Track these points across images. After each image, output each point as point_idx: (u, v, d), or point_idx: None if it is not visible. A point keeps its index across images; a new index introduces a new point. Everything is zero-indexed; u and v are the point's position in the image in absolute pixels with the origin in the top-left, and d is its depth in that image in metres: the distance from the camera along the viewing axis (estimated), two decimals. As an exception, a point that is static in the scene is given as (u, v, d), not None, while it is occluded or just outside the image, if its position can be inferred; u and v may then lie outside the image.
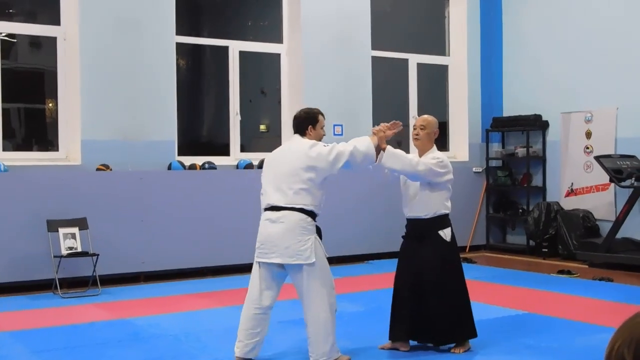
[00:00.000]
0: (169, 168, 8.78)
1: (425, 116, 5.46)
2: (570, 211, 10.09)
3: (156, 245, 8.45)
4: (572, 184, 10.35)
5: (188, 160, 9.04)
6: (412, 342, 5.34)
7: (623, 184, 9.12)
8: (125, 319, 6.47)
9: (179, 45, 9.24)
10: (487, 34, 11.33)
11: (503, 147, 11.34)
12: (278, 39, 10.07)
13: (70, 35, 8.47)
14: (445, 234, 5.25)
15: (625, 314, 1.59)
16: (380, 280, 8.16)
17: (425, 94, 11.32)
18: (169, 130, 8.90)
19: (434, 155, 5.26)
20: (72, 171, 8.26)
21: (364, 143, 4.93)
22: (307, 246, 4.75)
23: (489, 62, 11.33)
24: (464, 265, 5.53)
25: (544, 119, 10.67)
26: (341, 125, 9.94)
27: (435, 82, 11.71)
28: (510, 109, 11.18)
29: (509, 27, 11.25)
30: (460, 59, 11.34)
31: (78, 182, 8.12)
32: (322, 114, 5.10)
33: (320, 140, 5.01)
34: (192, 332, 5.93)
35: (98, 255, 7.70)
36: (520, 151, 10.84)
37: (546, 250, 10.15)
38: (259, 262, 4.92)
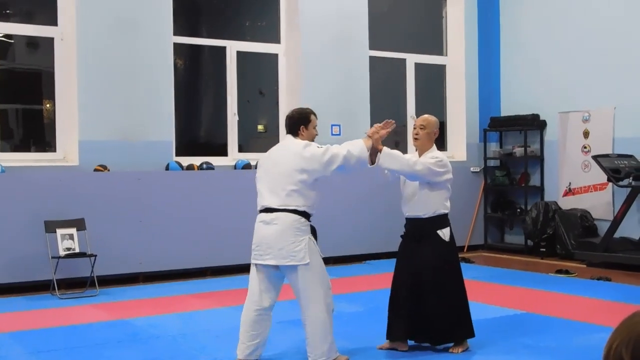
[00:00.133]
0: (167, 168, 8.77)
1: (426, 116, 5.45)
2: (568, 211, 10.10)
3: (154, 246, 8.45)
4: (570, 183, 10.36)
5: (186, 160, 9.04)
6: (410, 342, 5.34)
7: (621, 183, 9.13)
8: (124, 320, 6.46)
9: (177, 46, 9.24)
10: (485, 33, 11.33)
11: (501, 146, 11.34)
12: (276, 39, 10.07)
13: (67, 36, 8.46)
14: (444, 233, 5.25)
15: (624, 314, 1.59)
16: (379, 281, 8.16)
17: (423, 93, 11.32)
18: (166, 130, 8.90)
19: (433, 154, 5.26)
20: (70, 172, 8.25)
21: (358, 147, 4.93)
22: (301, 247, 4.75)
23: (486, 62, 11.33)
24: (462, 265, 5.53)
25: (541, 118, 10.68)
26: (339, 125, 9.94)
27: (432, 82, 11.71)
28: (507, 109, 11.18)
29: (507, 27, 11.26)
30: (457, 59, 11.34)
31: (76, 182, 8.12)
32: (315, 114, 5.09)
33: (313, 140, 5.01)
34: (191, 333, 5.93)
35: (96, 256, 7.69)
36: (518, 151, 10.85)
37: (544, 249, 10.15)
38: (255, 264, 4.93)
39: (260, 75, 11.01)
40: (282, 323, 5.87)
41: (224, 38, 9.80)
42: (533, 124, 10.67)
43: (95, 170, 8.30)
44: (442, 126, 11.20)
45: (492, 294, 7.58)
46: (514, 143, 11.07)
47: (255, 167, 8.93)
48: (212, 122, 10.86)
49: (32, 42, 9.18)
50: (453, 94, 11.43)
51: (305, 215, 4.83)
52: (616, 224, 9.21)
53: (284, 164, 4.84)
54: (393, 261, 5.49)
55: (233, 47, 9.71)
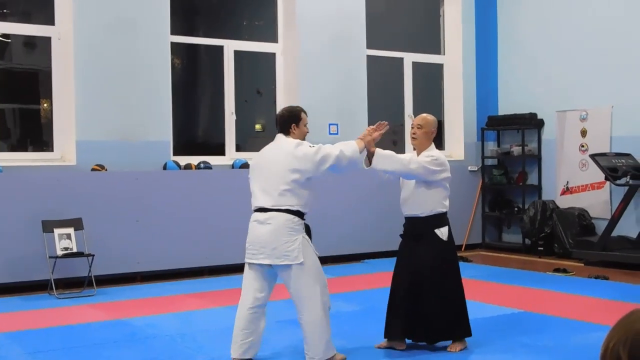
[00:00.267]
0: (165, 168, 8.76)
1: (423, 115, 5.44)
2: (565, 209, 10.11)
3: (152, 246, 8.44)
4: (567, 182, 10.36)
5: (183, 160, 9.04)
6: (408, 341, 5.34)
7: (618, 182, 9.13)
8: (121, 320, 6.46)
9: (174, 45, 9.23)
10: (482, 32, 11.34)
11: (498, 145, 11.35)
12: (273, 38, 10.06)
13: (64, 35, 8.45)
14: (442, 232, 5.25)
15: (621, 312, 1.59)
16: (376, 280, 8.16)
17: (421, 92, 11.32)
18: (164, 130, 8.89)
19: (430, 153, 5.26)
20: (67, 171, 8.24)
21: (351, 147, 4.94)
22: (294, 246, 4.75)
23: (484, 61, 11.33)
24: (460, 264, 5.53)
25: (539, 117, 10.68)
26: (337, 125, 9.94)
27: (430, 81, 11.71)
28: (505, 108, 11.18)
29: (504, 26, 11.26)
30: (455, 58, 11.35)
31: (73, 182, 8.11)
32: (305, 112, 5.09)
33: (304, 137, 5.01)
34: (188, 332, 5.93)
35: (93, 255, 7.68)
36: (516, 150, 10.86)
37: (542, 248, 10.16)
38: (248, 263, 4.93)
39: (257, 74, 11.01)
40: (279, 323, 5.88)
41: (221, 37, 9.80)
42: (531, 123, 10.67)
43: (93, 169, 8.29)
44: (440, 125, 11.19)
45: (489, 292, 7.58)
46: (511, 142, 11.07)
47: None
48: (209, 121, 10.86)
49: (30, 42, 9.17)
50: (451, 93, 11.43)
51: (298, 214, 4.83)
52: (614, 222, 9.22)
53: (276, 163, 4.85)
54: (391, 260, 5.50)
55: (230, 47, 9.71)
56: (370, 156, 5.07)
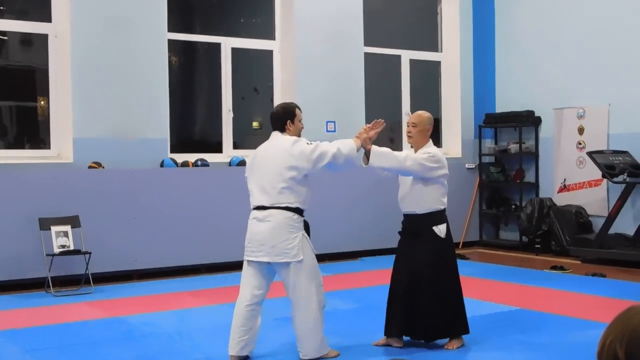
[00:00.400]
0: (162, 165, 8.75)
1: (418, 113, 5.44)
2: (563, 207, 10.11)
3: (149, 243, 8.43)
4: (564, 179, 10.37)
5: (180, 157, 9.02)
6: (406, 338, 5.34)
7: (615, 179, 9.14)
8: (119, 317, 6.45)
9: (171, 42, 9.22)
10: (480, 29, 11.33)
11: (496, 143, 11.35)
12: (271, 35, 10.05)
13: (61, 32, 8.43)
14: (440, 230, 5.24)
15: (618, 310, 1.59)
16: (373, 277, 8.17)
17: (418, 90, 11.32)
18: (161, 127, 8.88)
19: (426, 150, 5.26)
20: (64, 169, 8.23)
21: (348, 146, 4.94)
22: (294, 244, 4.76)
23: (481, 58, 11.33)
24: (457, 262, 5.53)
25: (536, 115, 10.68)
26: (334, 122, 9.93)
27: (427, 78, 11.71)
28: (502, 105, 11.18)
29: (502, 23, 11.26)
30: (452, 55, 11.34)
31: (70, 180, 8.09)
32: (299, 107, 5.09)
33: (299, 133, 5.01)
34: (186, 330, 5.93)
35: (90, 253, 7.68)
36: (513, 147, 10.86)
37: (539, 246, 10.16)
38: (247, 261, 4.93)
39: (255, 72, 11.00)
40: (275, 320, 5.87)
41: (218, 35, 9.78)
42: (528, 121, 10.67)
43: (90, 167, 8.28)
44: (437, 122, 11.21)
45: (487, 290, 7.58)
46: (508, 139, 11.07)
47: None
48: (206, 119, 10.85)
49: (26, 39, 9.15)
50: (448, 91, 11.43)
51: (298, 211, 4.84)
52: (611, 220, 9.23)
53: (273, 161, 4.85)
54: (388, 258, 5.50)
55: (228, 44, 9.69)
56: (367, 154, 5.07)
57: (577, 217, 9.85)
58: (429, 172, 5.17)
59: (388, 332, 5.33)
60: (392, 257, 5.50)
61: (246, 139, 10.27)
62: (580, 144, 10.13)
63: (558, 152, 10.44)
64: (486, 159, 11.34)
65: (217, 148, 9.61)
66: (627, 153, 9.38)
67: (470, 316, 5.38)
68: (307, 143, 4.88)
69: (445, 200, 5.32)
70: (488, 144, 11.35)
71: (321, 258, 5.03)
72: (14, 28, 8.79)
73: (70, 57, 8.31)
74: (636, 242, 9.17)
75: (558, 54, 10.40)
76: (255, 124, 10.98)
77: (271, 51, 10.02)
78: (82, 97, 8.34)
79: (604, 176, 9.31)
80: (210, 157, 9.26)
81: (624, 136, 9.57)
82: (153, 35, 8.80)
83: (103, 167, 8.32)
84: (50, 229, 7.65)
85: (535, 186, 10.80)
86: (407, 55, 11.13)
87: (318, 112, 9.51)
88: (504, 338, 5.53)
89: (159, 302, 7.11)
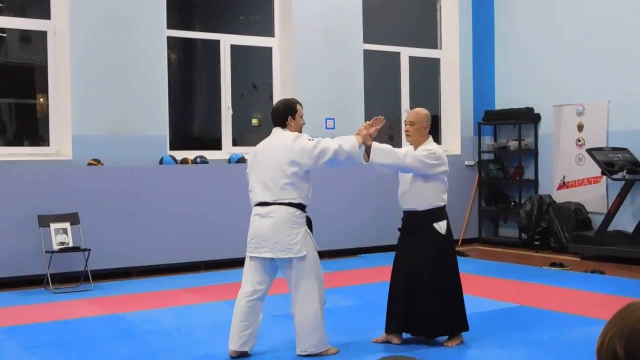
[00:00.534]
0: (161, 162, 8.75)
1: (415, 111, 5.43)
2: (562, 204, 10.11)
3: (148, 240, 8.43)
4: (564, 176, 10.37)
5: (180, 154, 9.02)
6: (406, 335, 5.34)
7: (615, 176, 9.14)
8: (117, 314, 6.45)
9: (170, 39, 9.21)
10: (479, 26, 11.32)
11: (495, 140, 11.35)
12: (270, 32, 10.04)
13: (60, 29, 8.42)
14: (441, 226, 5.24)
15: (617, 306, 1.58)
16: (373, 274, 8.17)
17: (417, 87, 11.31)
18: (160, 124, 8.87)
19: (426, 147, 5.25)
20: (64, 166, 8.22)
21: (349, 142, 4.94)
22: (297, 240, 4.76)
23: (481, 55, 11.33)
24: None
25: (535, 112, 10.68)
26: (333, 119, 9.93)
27: (427, 75, 11.70)
28: (502, 102, 11.18)
29: (501, 20, 11.25)
30: (452, 52, 11.33)
31: (69, 177, 8.09)
32: (300, 103, 5.09)
33: (301, 129, 5.01)
34: (185, 327, 5.92)
35: (90, 250, 7.68)
36: (512, 144, 10.85)
37: (538, 243, 10.16)
38: (250, 256, 4.94)
39: (254, 69, 10.99)
40: (274, 317, 5.87)
41: (217, 32, 9.77)
42: (527, 118, 10.67)
43: (89, 164, 8.27)
44: (437, 119, 11.21)
45: (486, 287, 7.58)
46: (508, 136, 11.07)
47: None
48: (206, 116, 10.84)
49: (25, 36, 9.14)
50: (447, 87, 11.42)
51: (300, 207, 4.84)
52: (610, 217, 9.23)
53: (274, 157, 4.85)
54: (388, 255, 5.51)
55: (227, 41, 9.68)
56: (367, 150, 5.07)
57: (577, 214, 9.85)
58: (429, 169, 5.17)
59: (388, 329, 5.33)
60: (392, 254, 5.50)
61: (245, 136, 10.26)
62: (579, 141, 10.12)
63: (557, 149, 10.43)
64: (485, 156, 11.34)
65: (217, 145, 9.61)
66: (627, 150, 9.38)
67: (470, 313, 5.38)
68: (309, 139, 4.88)
69: (445, 196, 5.31)
70: (487, 141, 11.35)
71: (321, 255, 5.03)
72: (13, 25, 8.78)
73: (70, 54, 8.30)
74: (635, 239, 9.17)
75: (557, 51, 10.39)
76: (254, 121, 10.97)
77: (270, 48, 10.01)
78: (81, 94, 8.33)
79: (603, 173, 9.31)
80: (209, 154, 9.26)
81: (624, 133, 9.56)
82: (152, 33, 8.79)
83: (102, 165, 8.32)
84: (49, 226, 7.65)
85: (534, 183, 10.80)
86: (406, 52, 11.11)
87: (317, 109, 9.51)
88: (503, 335, 5.53)
89: (158, 299, 7.11)
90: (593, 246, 9.25)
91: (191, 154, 9.09)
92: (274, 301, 5.84)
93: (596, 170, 9.52)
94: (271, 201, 4.81)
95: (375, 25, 10.86)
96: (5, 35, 9.02)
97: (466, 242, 11.00)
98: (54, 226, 7.66)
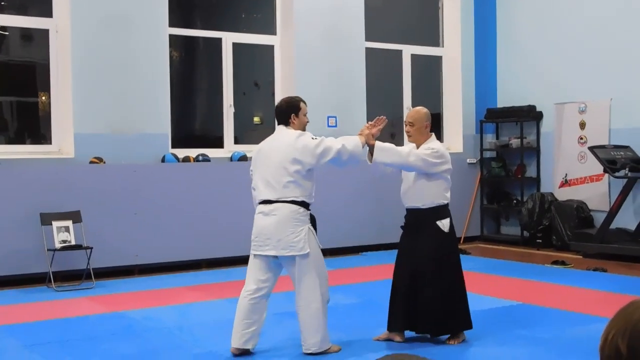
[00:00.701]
0: (163, 161, 8.75)
1: (414, 111, 5.42)
2: (564, 202, 10.11)
3: (150, 238, 8.44)
4: (566, 174, 10.36)
5: (182, 152, 9.02)
6: (409, 334, 5.34)
7: (617, 174, 9.13)
8: (119, 312, 6.45)
9: (172, 37, 9.21)
10: (481, 24, 11.31)
11: (497, 138, 11.34)
12: (271, 30, 10.04)
13: (62, 28, 8.42)
14: (444, 224, 5.24)
15: (619, 304, 1.58)
16: (374, 272, 8.17)
17: (419, 85, 11.31)
18: (162, 122, 8.87)
19: (429, 145, 5.25)
20: (65, 164, 8.23)
21: (353, 142, 4.95)
22: (300, 237, 4.77)
23: (482, 53, 11.31)
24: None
25: (537, 109, 10.67)
26: (335, 117, 9.93)
27: (429, 73, 11.69)
28: (504, 100, 11.17)
29: (503, 18, 11.23)
30: (454, 50, 11.32)
31: (71, 175, 8.09)
32: (304, 101, 5.09)
33: (304, 127, 5.01)
34: (186, 325, 5.93)
35: (92, 248, 7.68)
36: (514, 142, 10.85)
37: (540, 241, 10.16)
38: (254, 254, 4.94)
39: (255, 67, 10.99)
40: (277, 315, 5.87)
41: (219, 30, 9.77)
42: (529, 116, 10.66)
43: (91, 162, 8.28)
44: (439, 117, 11.20)
45: (488, 285, 7.58)
46: (510, 134, 11.06)
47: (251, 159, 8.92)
48: (208, 114, 10.84)
49: (27, 35, 9.14)
50: (449, 86, 11.41)
51: (304, 204, 4.84)
52: (612, 215, 9.22)
53: (277, 155, 4.85)
54: (390, 253, 5.51)
55: (229, 39, 9.68)
56: (371, 150, 5.07)
57: (579, 212, 9.85)
58: (432, 168, 5.17)
59: (391, 327, 5.33)
60: (394, 252, 5.50)
61: (247, 134, 10.26)
62: (581, 138, 10.12)
63: (559, 147, 10.43)
64: (487, 154, 11.33)
65: (218, 143, 9.61)
66: (629, 148, 9.37)
67: (472, 311, 5.37)
68: (312, 138, 4.88)
69: (448, 194, 5.31)
70: (489, 138, 11.34)
71: (323, 253, 5.03)
72: (15, 23, 8.78)
73: (71, 52, 8.30)
74: (637, 237, 9.17)
75: (559, 49, 10.37)
76: (256, 119, 10.97)
77: (272, 46, 10.00)
78: (83, 92, 8.33)
79: (605, 171, 9.30)
80: (211, 152, 9.26)
81: (626, 131, 9.55)
82: (154, 31, 8.79)
83: (104, 163, 8.32)
84: (51, 224, 7.66)
85: (536, 181, 10.79)
86: (408, 50, 11.10)
87: (319, 107, 9.50)
88: (505, 333, 5.53)
89: (160, 297, 7.11)
90: (595, 244, 9.25)
91: (193, 152, 9.10)
92: (276, 299, 5.83)
93: (598, 168, 9.51)
94: (274, 199, 4.81)
95: (377, 23, 10.86)
96: (7, 33, 9.02)
97: (468, 240, 10.99)
98: (56, 224, 7.67)
